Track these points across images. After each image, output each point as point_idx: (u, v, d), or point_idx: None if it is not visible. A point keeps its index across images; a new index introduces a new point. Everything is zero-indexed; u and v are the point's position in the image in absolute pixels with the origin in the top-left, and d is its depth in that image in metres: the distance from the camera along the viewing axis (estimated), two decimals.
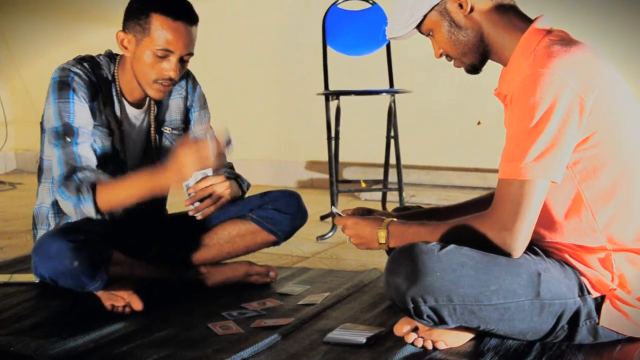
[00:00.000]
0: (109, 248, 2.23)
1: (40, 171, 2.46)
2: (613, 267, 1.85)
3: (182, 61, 2.30)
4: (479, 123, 4.60)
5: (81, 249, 2.16)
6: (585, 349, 1.88)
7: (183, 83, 2.53)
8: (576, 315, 1.85)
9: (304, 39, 4.87)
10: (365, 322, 2.15)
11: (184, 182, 2.27)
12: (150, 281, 2.32)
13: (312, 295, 2.45)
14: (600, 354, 1.86)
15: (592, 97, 1.75)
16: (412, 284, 1.78)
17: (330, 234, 3.46)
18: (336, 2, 3.84)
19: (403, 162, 3.80)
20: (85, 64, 2.33)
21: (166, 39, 2.24)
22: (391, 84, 3.92)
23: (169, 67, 2.27)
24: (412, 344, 1.93)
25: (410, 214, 2.16)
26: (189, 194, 2.26)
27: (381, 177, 4.06)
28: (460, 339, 1.93)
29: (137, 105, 2.43)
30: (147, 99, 2.44)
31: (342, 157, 4.04)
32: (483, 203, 2.05)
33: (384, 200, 4.03)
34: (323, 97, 3.68)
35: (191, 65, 2.41)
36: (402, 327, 1.97)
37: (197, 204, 2.26)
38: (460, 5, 1.87)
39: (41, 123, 2.42)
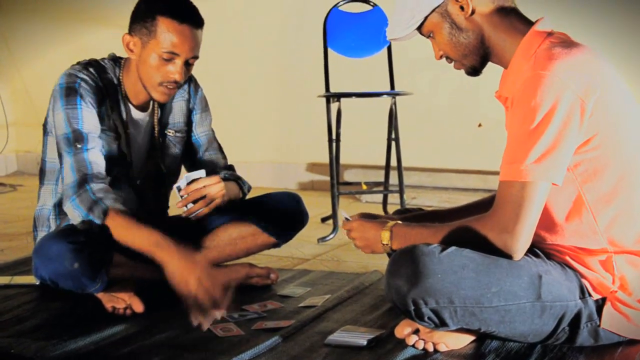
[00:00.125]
0: (109, 250, 2.23)
1: (42, 173, 2.47)
2: (614, 269, 1.85)
3: (188, 64, 2.31)
4: (480, 125, 4.60)
5: (82, 250, 2.16)
6: (586, 351, 1.88)
7: (185, 86, 2.54)
8: (577, 317, 1.84)
9: (304, 41, 4.87)
10: (366, 324, 2.15)
11: (175, 185, 2.27)
12: (151, 283, 2.31)
13: (313, 297, 2.45)
14: (601, 356, 1.86)
15: (593, 99, 1.75)
16: (413, 285, 1.77)
17: (331, 236, 3.45)
18: (337, 4, 3.85)
19: (404, 164, 3.81)
20: (91, 69, 2.33)
21: (172, 42, 2.24)
22: (392, 86, 3.92)
23: (175, 70, 2.28)
24: (413, 346, 1.93)
25: (413, 216, 2.16)
26: (181, 196, 2.27)
27: (382, 179, 4.06)
28: (461, 341, 1.93)
29: (142, 108, 2.43)
30: (151, 101, 2.45)
31: (343, 159, 4.04)
32: (485, 205, 2.05)
33: (385, 202, 4.03)
34: (324, 99, 3.68)
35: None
36: (403, 329, 1.97)
37: (190, 205, 2.26)
38: (462, 8, 1.87)
39: (44, 125, 2.43)
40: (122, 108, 2.38)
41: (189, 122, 2.57)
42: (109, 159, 2.33)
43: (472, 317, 1.80)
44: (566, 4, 4.23)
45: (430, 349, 1.91)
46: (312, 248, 3.31)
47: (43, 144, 2.45)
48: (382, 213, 3.87)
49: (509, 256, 1.79)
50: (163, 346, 2.01)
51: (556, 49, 1.78)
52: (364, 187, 4.25)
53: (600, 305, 1.85)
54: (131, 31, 2.31)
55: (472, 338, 1.94)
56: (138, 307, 2.26)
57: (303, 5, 4.92)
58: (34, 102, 5.74)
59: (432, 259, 1.77)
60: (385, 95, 3.75)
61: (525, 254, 1.82)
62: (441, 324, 1.82)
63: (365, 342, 1.97)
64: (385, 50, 3.88)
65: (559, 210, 1.85)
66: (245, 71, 5.14)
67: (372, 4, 3.88)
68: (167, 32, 2.24)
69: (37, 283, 2.44)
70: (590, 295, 1.86)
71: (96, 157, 2.27)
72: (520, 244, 1.77)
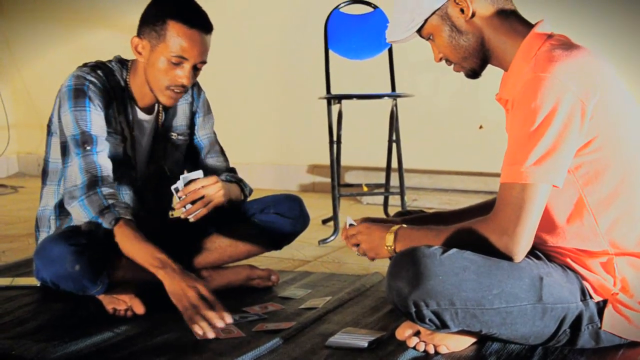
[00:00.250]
0: (110, 252, 2.24)
1: (44, 174, 2.47)
2: (615, 271, 1.85)
3: (195, 69, 2.31)
4: (480, 127, 4.60)
5: (83, 252, 2.16)
6: (588, 353, 1.88)
7: (189, 89, 2.54)
8: (578, 319, 1.84)
9: (305, 43, 4.87)
10: (367, 326, 2.15)
11: (172, 186, 2.28)
12: (152, 285, 2.31)
13: (313, 299, 2.45)
14: (602, 358, 1.86)
15: (593, 101, 1.75)
16: (414, 287, 1.77)
17: (332, 237, 3.45)
18: (338, 6, 3.85)
19: (405, 165, 3.81)
20: (99, 72, 2.33)
21: (181, 46, 2.25)
22: (393, 88, 3.92)
23: (183, 74, 2.28)
24: (414, 348, 1.93)
25: (415, 219, 2.15)
26: (179, 197, 2.27)
27: (383, 181, 4.06)
28: (462, 343, 1.93)
29: (147, 110, 2.44)
30: (156, 104, 2.45)
31: (344, 161, 4.05)
32: (489, 207, 2.04)
33: (385, 204, 4.03)
34: (325, 101, 3.68)
35: None
36: (404, 331, 1.97)
37: (188, 206, 2.27)
38: (462, 10, 1.87)
39: (48, 125, 2.43)
40: (129, 111, 2.39)
41: (191, 125, 2.57)
42: (114, 160, 2.34)
43: (473, 319, 1.80)
44: (566, 5, 4.23)
45: (431, 351, 1.91)
46: (313, 250, 3.31)
47: (46, 144, 2.45)
48: (382, 215, 3.88)
49: (509, 258, 1.79)
50: (164, 348, 2.01)
51: (556, 51, 1.78)
52: (365, 188, 4.25)
53: (601, 307, 1.85)
54: (140, 34, 2.31)
55: (473, 340, 1.94)
56: (139, 308, 2.27)
57: (304, 7, 4.93)
58: (35, 103, 5.74)
59: (433, 261, 1.77)
60: (386, 97, 3.75)
61: (527, 256, 1.82)
62: (442, 326, 1.82)
63: (366, 344, 1.97)
64: (386, 52, 3.88)
65: (560, 213, 1.85)
66: (246, 73, 5.14)
67: (373, 6, 3.89)
68: (176, 37, 2.25)
69: (38, 285, 2.44)
70: (591, 297, 1.86)
71: (105, 161, 2.29)
72: (520, 246, 1.77)
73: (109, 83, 2.34)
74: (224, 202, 2.34)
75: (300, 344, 2.02)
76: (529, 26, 1.88)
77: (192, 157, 2.59)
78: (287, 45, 5.05)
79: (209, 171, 2.46)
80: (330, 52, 3.80)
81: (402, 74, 4.13)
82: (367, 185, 4.18)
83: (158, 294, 2.15)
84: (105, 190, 2.24)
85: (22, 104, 5.84)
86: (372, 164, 4.74)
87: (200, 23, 2.28)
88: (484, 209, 2.07)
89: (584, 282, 1.86)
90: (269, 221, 2.53)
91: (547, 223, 1.85)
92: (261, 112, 5.18)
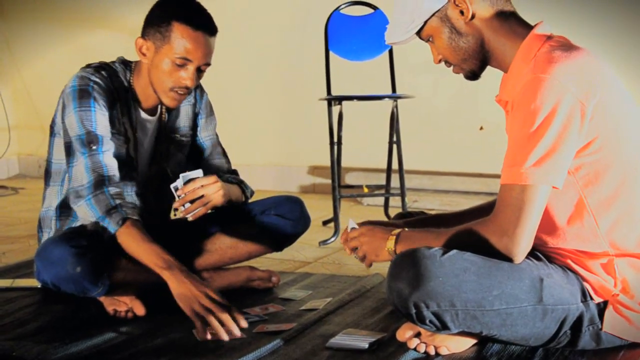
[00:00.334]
0: (111, 254, 2.24)
1: (47, 174, 2.47)
2: (616, 272, 1.85)
3: (199, 71, 2.31)
4: (481, 128, 4.60)
5: (84, 254, 2.16)
6: (588, 354, 1.88)
7: (192, 90, 2.54)
8: (579, 320, 1.84)
9: (306, 44, 4.87)
10: (368, 327, 2.15)
11: (172, 185, 2.28)
12: (153, 286, 2.32)
13: (314, 300, 2.45)
14: (603, 359, 1.86)
15: (593, 102, 1.75)
16: (414, 289, 1.77)
17: (332, 239, 3.46)
18: (339, 7, 3.85)
19: (405, 167, 3.81)
20: (103, 72, 2.34)
21: (185, 48, 2.25)
22: (393, 89, 3.93)
23: (187, 76, 2.28)
24: (415, 349, 1.93)
25: (417, 221, 2.15)
26: (178, 196, 2.27)
27: (383, 182, 4.06)
28: (463, 345, 1.93)
29: (150, 112, 2.44)
30: (159, 106, 2.46)
31: (345, 162, 4.05)
32: (488, 209, 2.05)
33: (386, 205, 4.03)
34: (325, 102, 3.68)
35: None
36: (405, 333, 1.97)
37: (187, 205, 2.27)
38: (462, 12, 1.87)
39: (51, 126, 2.43)
40: (132, 112, 2.39)
41: (194, 127, 2.57)
42: (117, 161, 2.34)
43: (473, 320, 1.80)
44: (566, 5, 4.23)
45: (432, 352, 1.91)
46: (314, 251, 3.31)
47: (49, 145, 2.45)
48: (383, 216, 3.88)
49: (510, 259, 1.79)
50: (165, 349, 2.01)
51: (556, 52, 1.78)
52: (366, 190, 4.25)
53: (602, 308, 1.85)
54: (144, 35, 2.31)
55: (473, 341, 1.94)
56: (140, 310, 2.27)
57: (305, 8, 4.93)
58: (35, 104, 5.74)
59: (433, 262, 1.77)
60: (386, 99, 3.74)
61: (527, 257, 1.82)
62: (443, 327, 1.82)
63: (366, 345, 1.97)
64: (386, 53, 3.89)
65: (561, 214, 1.85)
66: (246, 74, 5.14)
67: (373, 7, 3.89)
68: (181, 38, 2.25)
69: (39, 286, 2.45)
70: (592, 298, 1.86)
71: (110, 161, 2.29)
72: (520, 247, 1.77)
73: (112, 84, 2.34)
74: (224, 202, 2.34)
75: (301, 345, 2.02)
76: (528, 28, 1.88)
77: (194, 159, 2.59)
78: (287, 47, 5.05)
79: (210, 172, 2.46)
80: (331, 53, 3.80)
81: (403, 75, 4.13)
82: (367, 186, 4.18)
83: (159, 295, 2.15)
84: (113, 189, 2.24)
85: (22, 104, 5.84)
86: (372, 165, 4.74)
87: (205, 25, 2.28)
88: (485, 210, 2.07)
89: (585, 283, 1.86)
90: (269, 223, 2.53)
91: (548, 224, 1.85)
92: (261, 113, 5.18)
